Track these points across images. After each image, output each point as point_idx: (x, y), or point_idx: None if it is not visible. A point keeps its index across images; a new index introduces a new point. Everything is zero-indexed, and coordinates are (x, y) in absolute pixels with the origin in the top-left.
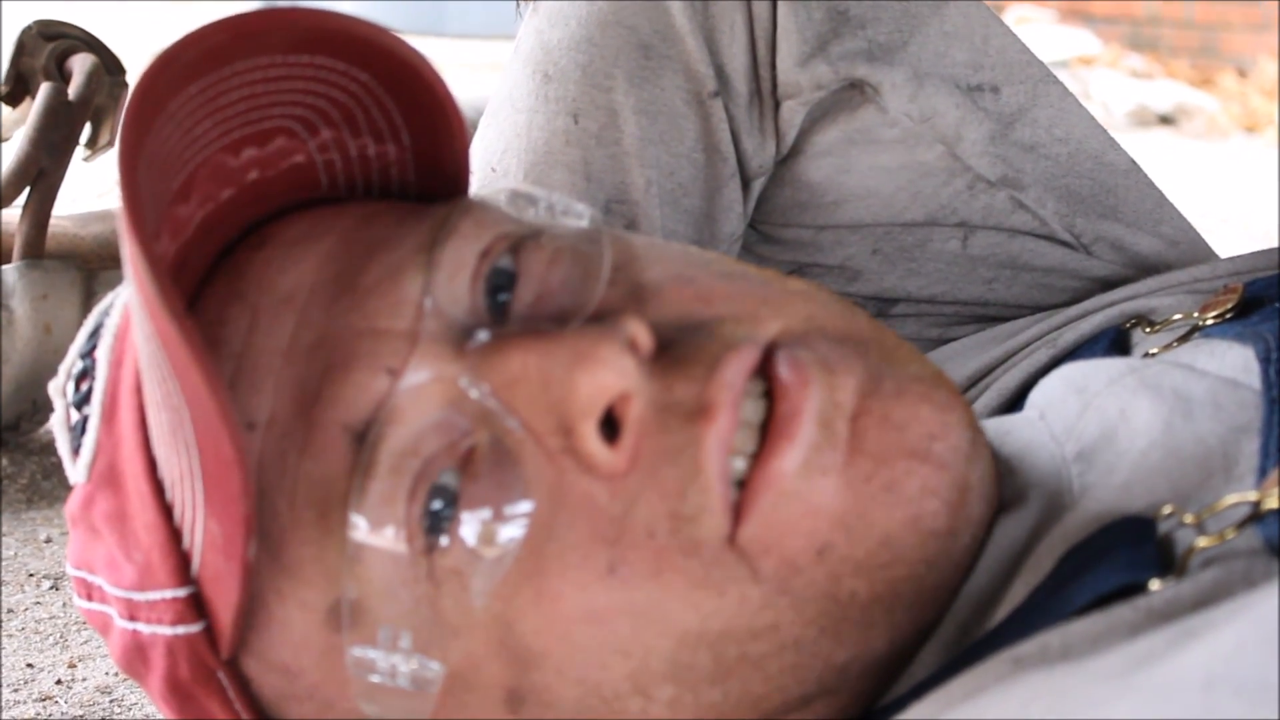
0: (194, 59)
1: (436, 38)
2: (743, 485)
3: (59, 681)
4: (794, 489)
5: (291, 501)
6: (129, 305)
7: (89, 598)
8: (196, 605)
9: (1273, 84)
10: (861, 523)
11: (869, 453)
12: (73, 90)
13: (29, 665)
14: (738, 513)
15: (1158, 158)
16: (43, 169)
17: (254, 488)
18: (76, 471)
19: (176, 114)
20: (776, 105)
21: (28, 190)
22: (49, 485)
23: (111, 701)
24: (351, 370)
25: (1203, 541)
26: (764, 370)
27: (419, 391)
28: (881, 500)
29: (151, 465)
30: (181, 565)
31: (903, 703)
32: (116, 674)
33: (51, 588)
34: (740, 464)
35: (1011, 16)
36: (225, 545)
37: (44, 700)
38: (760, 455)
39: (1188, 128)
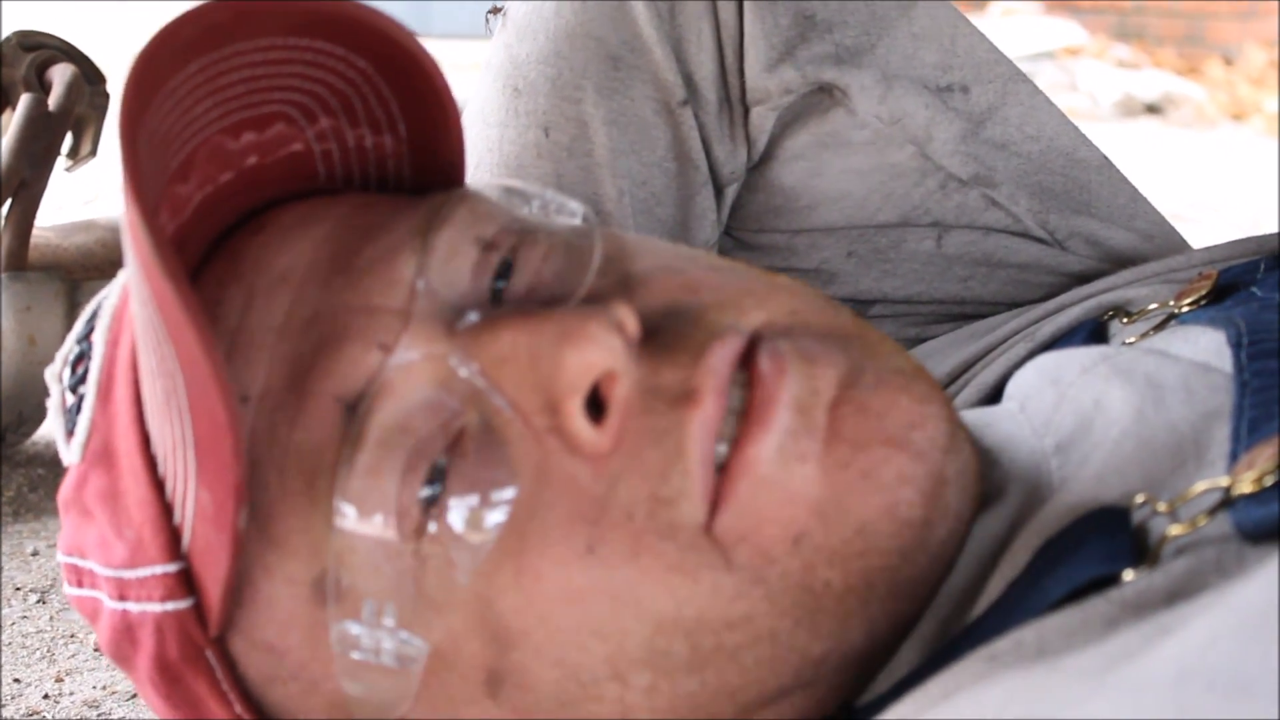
0: (194, 36)
1: (424, 37)
2: (721, 471)
3: (46, 696)
4: (770, 476)
5: (281, 473)
6: (126, 279)
7: (79, 584)
8: (186, 581)
9: (1259, 72)
10: (837, 510)
11: (846, 440)
12: (53, 101)
13: (16, 680)
14: (715, 500)
15: (1144, 147)
16: (24, 180)
17: (245, 455)
18: (70, 452)
19: (176, 91)
20: (746, 111)
21: (9, 202)
22: (36, 498)
23: (99, 716)
24: (344, 344)
25: (1175, 529)
26: (747, 361)
27: (409, 369)
28: (858, 487)
29: (145, 440)
30: (172, 540)
31: (882, 702)
32: (104, 688)
33: (39, 601)
34: (723, 450)
35: (997, 8)
36: (216, 515)
37: (31, 715)
38: (736, 442)
39: (1175, 117)
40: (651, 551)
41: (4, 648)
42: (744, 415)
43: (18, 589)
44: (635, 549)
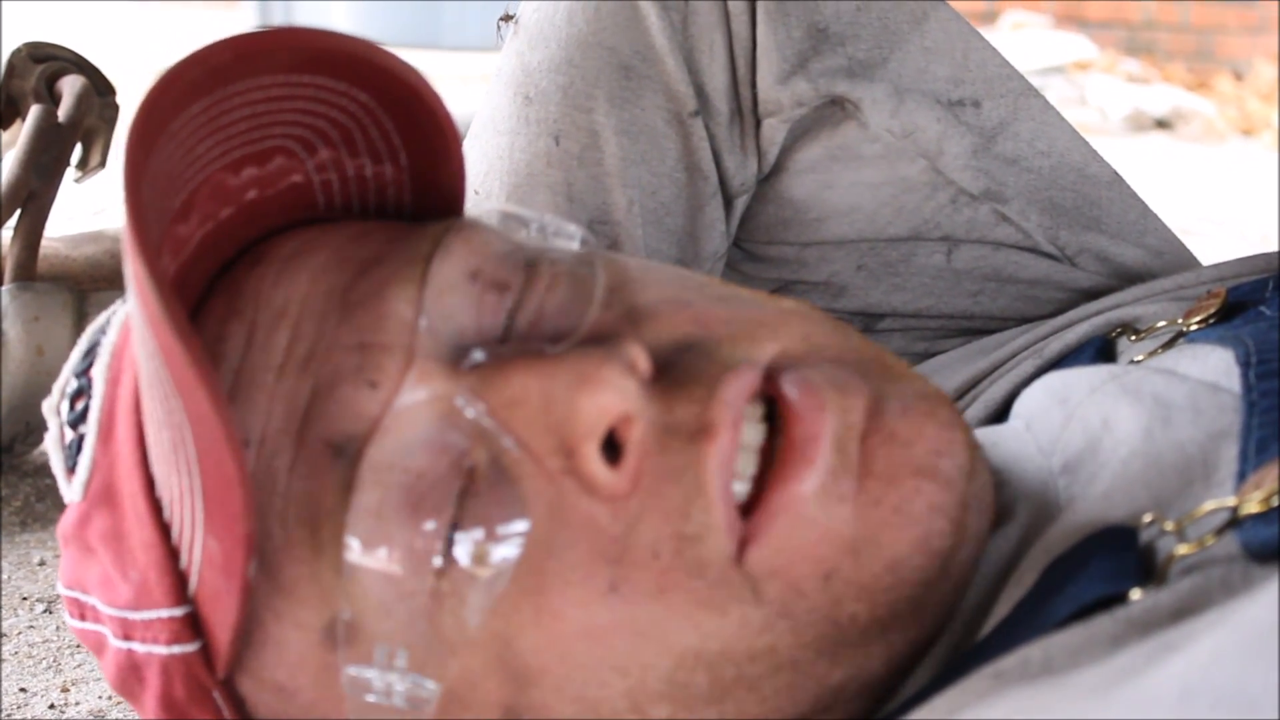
0: (197, 78)
1: (433, 50)
2: (750, 507)
3: (52, 706)
4: (811, 515)
5: (284, 521)
6: (129, 322)
7: (82, 618)
8: (193, 624)
9: (1269, 87)
10: (870, 547)
11: (878, 474)
12: (63, 112)
13: (22, 690)
14: (748, 535)
15: (1154, 162)
16: (33, 191)
17: (255, 506)
18: (71, 490)
19: (179, 133)
20: (758, 123)
21: (18, 213)
22: (43, 508)
23: None
24: (337, 386)
25: (1183, 549)
26: (764, 393)
27: (413, 409)
28: (891, 523)
29: (149, 484)
30: (178, 584)
31: (889, 719)
32: (110, 698)
33: (45, 611)
34: (740, 487)
35: (1007, 22)
36: (225, 564)
37: None
38: (774, 478)
39: (1184, 131)
40: (680, 588)
41: (10, 657)
42: (783, 449)
43: (24, 599)
44: (662, 586)
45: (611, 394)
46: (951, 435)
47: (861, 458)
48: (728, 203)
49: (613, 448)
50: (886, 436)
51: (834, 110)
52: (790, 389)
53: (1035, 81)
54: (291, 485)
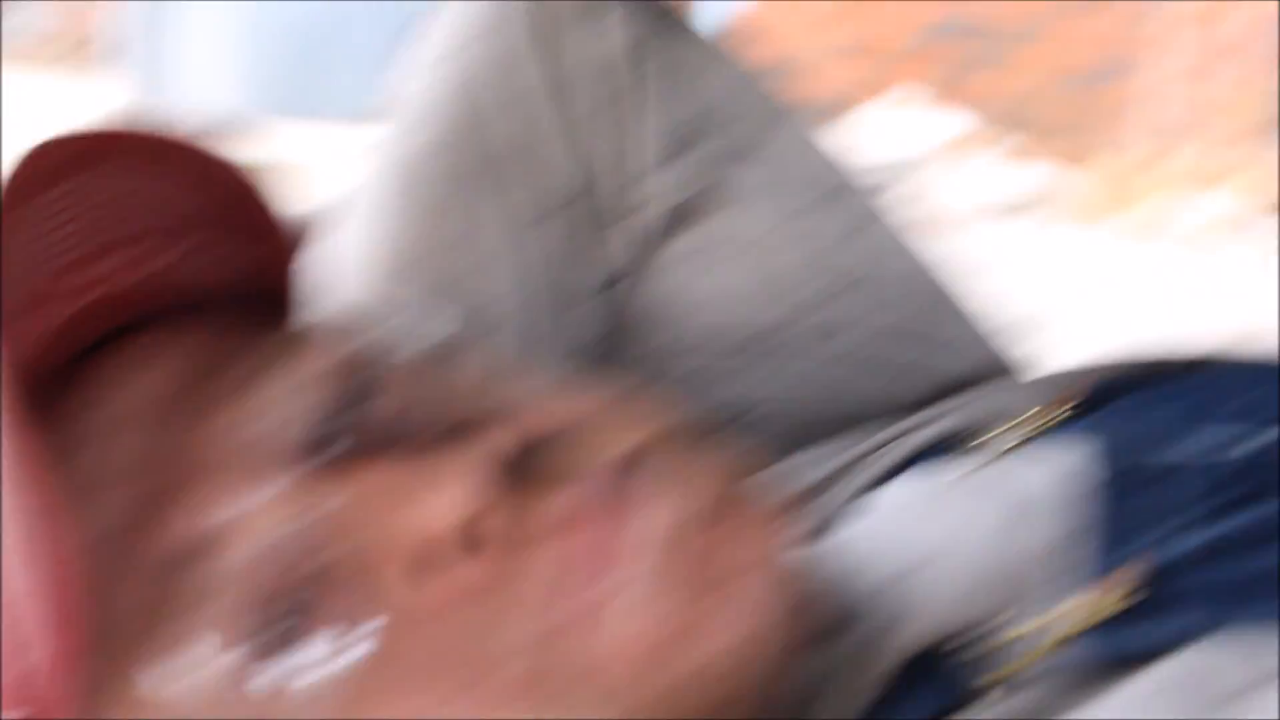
0: (61, 160)
1: (315, 120)
2: None
3: None
4: (607, 615)
5: (122, 623)
6: None
7: None
8: None
9: (1146, 164)
10: (673, 650)
11: (683, 581)
12: None
13: None
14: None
15: (1030, 240)
16: None
17: (88, 611)
18: None
19: (41, 212)
20: (634, 210)
21: None
22: None
23: None
24: (188, 490)
25: (1025, 658)
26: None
27: (262, 510)
28: (695, 628)
29: None
30: (20, 686)
31: None
32: None
33: None
34: None
35: (891, 97)
36: (59, 670)
37: None
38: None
39: (1059, 209)
40: (534, 693)
41: None
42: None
43: None
44: (512, 693)
45: (463, 492)
46: (767, 545)
47: (667, 566)
48: (602, 290)
49: (470, 544)
50: (701, 547)
51: (711, 196)
52: (607, 493)
53: (909, 157)
54: (135, 591)
